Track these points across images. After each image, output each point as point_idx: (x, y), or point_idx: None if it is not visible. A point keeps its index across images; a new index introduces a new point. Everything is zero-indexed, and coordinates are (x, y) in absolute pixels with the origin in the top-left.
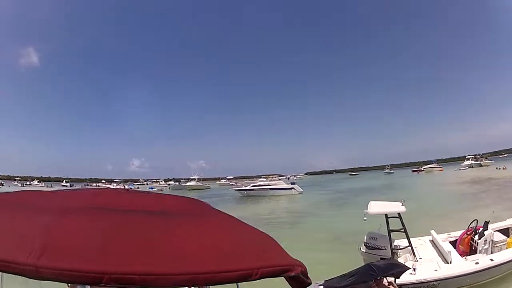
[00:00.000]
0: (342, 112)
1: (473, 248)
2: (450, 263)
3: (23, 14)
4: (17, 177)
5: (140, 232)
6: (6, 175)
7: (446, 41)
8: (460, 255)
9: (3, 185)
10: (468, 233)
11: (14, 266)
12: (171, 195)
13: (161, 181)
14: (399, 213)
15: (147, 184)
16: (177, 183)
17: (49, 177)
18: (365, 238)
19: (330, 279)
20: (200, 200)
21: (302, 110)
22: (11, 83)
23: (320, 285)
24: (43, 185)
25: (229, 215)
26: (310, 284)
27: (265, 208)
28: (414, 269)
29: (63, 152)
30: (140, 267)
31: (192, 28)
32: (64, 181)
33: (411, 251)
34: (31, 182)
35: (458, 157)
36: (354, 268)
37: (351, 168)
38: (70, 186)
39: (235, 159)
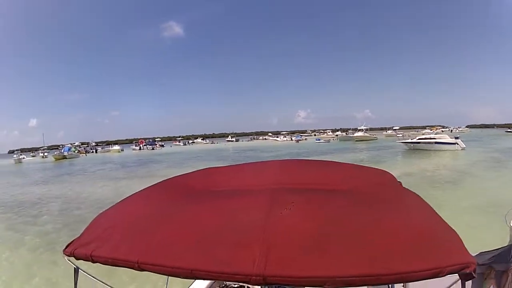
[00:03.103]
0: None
1: None
2: None
3: None
4: (179, 137)
5: (347, 230)
6: (167, 136)
7: None
8: None
9: (163, 146)
10: None
11: (240, 277)
12: (354, 165)
13: (328, 132)
14: None
15: (315, 135)
16: (344, 134)
17: (213, 133)
18: None
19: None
20: (385, 171)
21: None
22: (161, 55)
23: None
24: (207, 141)
25: (415, 194)
26: (475, 277)
27: (430, 163)
28: None
29: (227, 108)
30: (356, 270)
31: None
32: (230, 136)
33: None
34: (194, 141)
35: None
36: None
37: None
38: (236, 141)
39: (399, 108)
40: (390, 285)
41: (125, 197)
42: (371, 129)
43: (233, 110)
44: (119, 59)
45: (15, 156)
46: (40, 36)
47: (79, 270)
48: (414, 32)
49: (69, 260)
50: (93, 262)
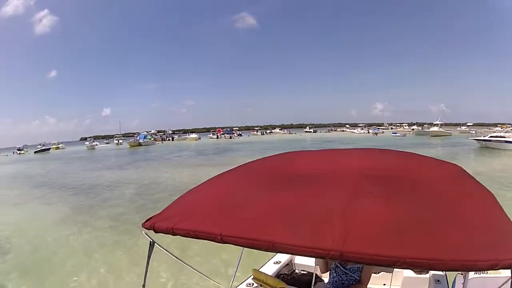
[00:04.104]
0: None
1: None
2: None
3: None
4: (257, 126)
5: (420, 216)
6: (244, 125)
7: None
8: None
9: (241, 135)
10: None
11: (319, 251)
12: (431, 158)
13: (405, 126)
14: None
15: (391, 128)
16: (420, 128)
17: (291, 124)
18: None
19: None
20: (459, 166)
21: None
22: (234, 46)
23: None
24: (285, 132)
25: (485, 190)
26: None
27: (499, 163)
28: None
29: (306, 99)
30: (426, 253)
31: None
32: (308, 127)
33: None
34: (272, 131)
35: None
36: None
37: None
38: (313, 132)
39: (472, 103)
40: (446, 273)
41: (207, 179)
42: (445, 125)
43: (311, 101)
44: (194, 49)
45: (87, 143)
46: (116, 28)
47: (155, 244)
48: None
49: (146, 234)
50: (174, 234)
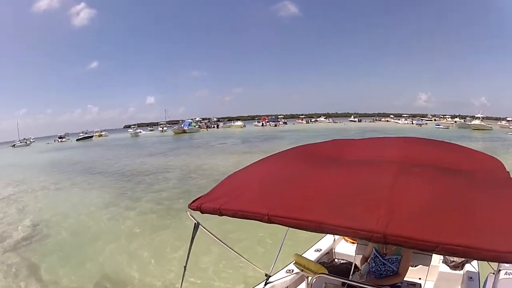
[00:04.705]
0: None
1: None
2: None
3: None
4: (302, 114)
5: (461, 204)
6: (289, 114)
7: None
8: None
9: (286, 123)
10: None
11: (364, 233)
12: (471, 149)
13: (448, 118)
14: None
15: (434, 120)
16: (462, 121)
17: (336, 113)
18: None
19: None
20: (497, 159)
21: None
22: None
23: None
24: (329, 121)
25: None
26: None
27: None
28: None
29: (350, 87)
30: (465, 241)
31: None
32: (352, 116)
33: None
34: (317, 119)
35: None
36: None
37: None
38: (358, 121)
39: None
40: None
41: (253, 162)
42: (487, 118)
43: (356, 89)
44: (240, 38)
45: (130, 130)
46: (162, 17)
47: (199, 225)
48: None
49: (191, 216)
50: (220, 215)
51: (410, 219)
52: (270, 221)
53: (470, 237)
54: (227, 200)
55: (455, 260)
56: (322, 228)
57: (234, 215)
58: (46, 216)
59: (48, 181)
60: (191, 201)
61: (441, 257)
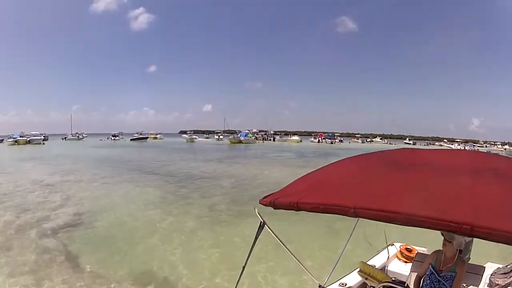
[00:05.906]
0: None
1: None
2: None
3: None
4: (358, 134)
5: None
6: (346, 132)
7: None
8: None
9: (342, 141)
10: None
11: (453, 225)
12: None
13: (498, 145)
14: None
15: (486, 146)
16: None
17: (391, 134)
18: None
19: None
20: None
21: None
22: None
23: None
24: (385, 142)
25: None
26: None
27: None
28: None
29: (406, 110)
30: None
31: None
32: (407, 138)
33: None
34: (372, 139)
35: None
36: None
37: None
38: (413, 144)
39: None
40: None
41: (324, 165)
42: None
43: (411, 112)
44: (299, 53)
45: (186, 135)
46: (225, 29)
47: (265, 225)
48: None
49: (258, 213)
50: (297, 209)
51: (494, 212)
52: (355, 214)
53: None
54: (306, 195)
55: (499, 283)
56: (412, 221)
57: (314, 208)
58: (88, 207)
59: (99, 175)
60: (262, 196)
61: (487, 280)
